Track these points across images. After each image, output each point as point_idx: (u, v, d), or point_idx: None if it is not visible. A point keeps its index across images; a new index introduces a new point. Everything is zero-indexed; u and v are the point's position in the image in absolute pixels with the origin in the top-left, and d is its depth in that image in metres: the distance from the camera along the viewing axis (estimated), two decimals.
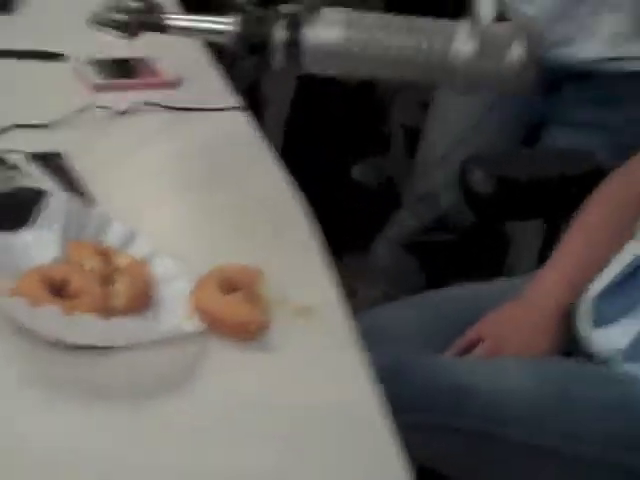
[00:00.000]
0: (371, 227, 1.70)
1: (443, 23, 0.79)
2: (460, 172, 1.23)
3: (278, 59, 0.80)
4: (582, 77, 1.46)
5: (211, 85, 1.16)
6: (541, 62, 0.83)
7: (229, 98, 1.13)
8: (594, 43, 1.42)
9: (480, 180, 1.22)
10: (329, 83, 1.47)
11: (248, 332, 0.83)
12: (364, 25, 0.78)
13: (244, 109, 1.10)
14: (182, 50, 1.11)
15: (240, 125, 1.09)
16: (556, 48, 1.41)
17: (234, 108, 1.10)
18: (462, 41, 0.78)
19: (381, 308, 1.26)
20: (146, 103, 1.07)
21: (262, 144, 1.06)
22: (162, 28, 0.85)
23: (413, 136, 1.78)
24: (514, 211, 1.29)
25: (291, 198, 0.98)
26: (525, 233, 1.53)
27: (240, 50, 0.81)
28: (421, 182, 1.62)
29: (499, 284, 1.28)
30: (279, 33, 0.79)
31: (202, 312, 0.81)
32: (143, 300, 0.80)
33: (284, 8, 0.80)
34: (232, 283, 0.84)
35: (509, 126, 1.55)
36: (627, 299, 1.14)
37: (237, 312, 0.82)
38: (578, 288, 1.13)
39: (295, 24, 0.79)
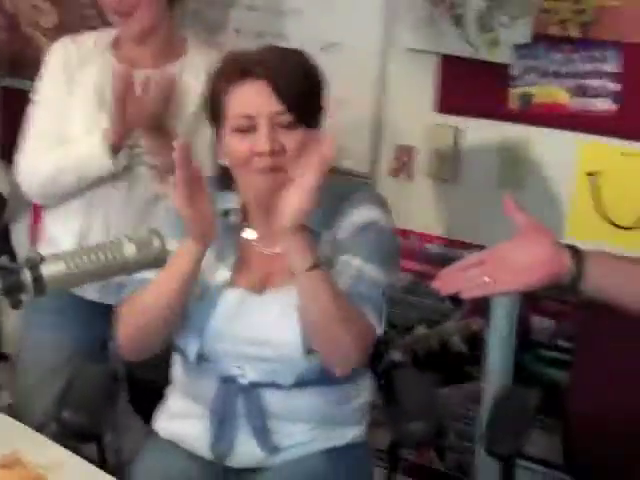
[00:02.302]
0: None
1: (114, 240, 1.41)
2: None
3: (30, 294, 1.34)
4: None
5: None
6: None
7: None
8: None
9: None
10: None
11: None
12: (74, 256, 1.37)
13: None
14: None
15: None
16: None
17: None
18: (128, 245, 1.40)
19: None
20: None
21: None
22: None
23: None
24: None
25: None
26: None
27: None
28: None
29: None
30: (25, 276, 1.34)
31: None
32: None
33: (25, 257, 1.34)
34: None
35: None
36: None
37: None
38: None
39: (34, 266, 1.34)
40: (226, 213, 1.88)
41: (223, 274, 1.84)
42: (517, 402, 2.15)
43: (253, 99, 1.76)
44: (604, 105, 2.33)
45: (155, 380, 2.01)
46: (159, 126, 2.20)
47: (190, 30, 2.54)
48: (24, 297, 1.36)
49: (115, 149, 2.22)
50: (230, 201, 1.88)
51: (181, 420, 1.90)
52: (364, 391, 1.95)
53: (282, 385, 1.80)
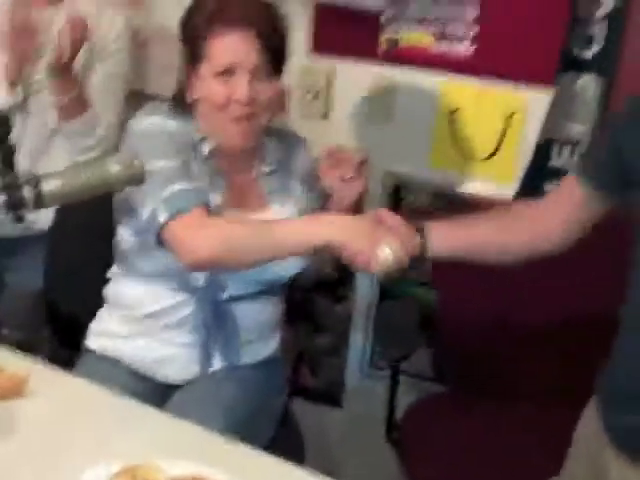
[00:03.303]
0: None
1: (99, 159, 1.50)
2: None
3: (29, 210, 1.40)
4: None
5: None
6: None
7: None
8: None
9: None
10: None
11: None
12: (67, 173, 1.45)
13: None
14: None
15: None
16: None
17: None
18: (112, 164, 1.50)
19: None
20: None
21: None
22: None
23: None
24: None
25: None
26: None
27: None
28: None
29: None
30: (28, 192, 1.41)
31: None
32: None
33: (25, 175, 1.41)
34: None
35: None
36: None
37: None
38: None
39: (36, 184, 1.41)
40: (196, 143, 1.93)
41: (215, 199, 1.90)
42: (399, 315, 2.41)
43: (239, 48, 1.81)
44: (463, 48, 2.59)
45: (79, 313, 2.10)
46: (67, 66, 2.23)
47: None
48: (24, 212, 1.43)
49: (12, 84, 2.25)
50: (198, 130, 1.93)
51: (125, 340, 2.00)
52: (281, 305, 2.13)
53: (247, 296, 1.96)
